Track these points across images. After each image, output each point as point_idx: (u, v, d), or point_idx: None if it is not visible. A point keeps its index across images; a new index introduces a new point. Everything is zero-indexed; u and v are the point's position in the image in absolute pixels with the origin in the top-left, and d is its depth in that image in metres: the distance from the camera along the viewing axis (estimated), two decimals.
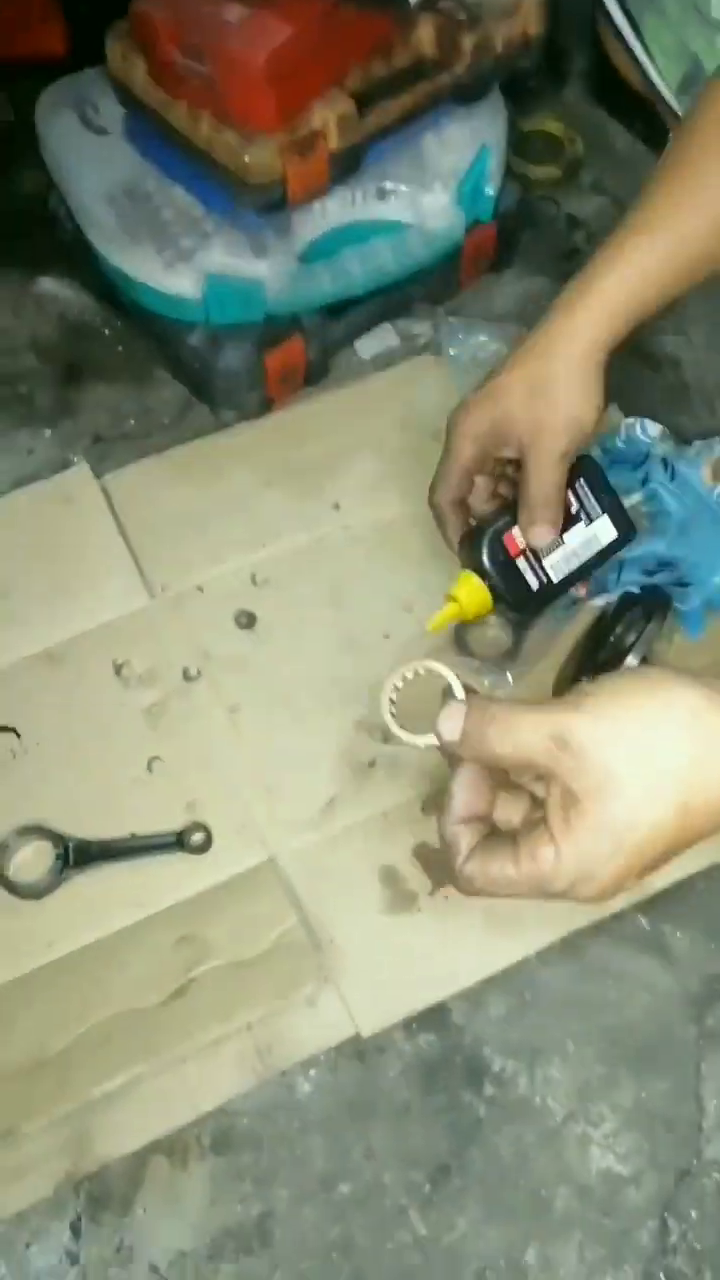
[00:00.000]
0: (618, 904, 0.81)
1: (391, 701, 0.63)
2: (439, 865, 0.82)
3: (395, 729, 0.62)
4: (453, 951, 0.80)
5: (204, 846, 0.82)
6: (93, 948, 0.79)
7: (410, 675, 0.63)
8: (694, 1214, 0.73)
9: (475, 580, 0.80)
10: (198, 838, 0.82)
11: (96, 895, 0.81)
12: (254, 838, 0.83)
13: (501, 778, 0.59)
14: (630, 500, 0.90)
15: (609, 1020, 0.78)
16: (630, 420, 0.96)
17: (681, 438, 0.96)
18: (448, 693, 0.59)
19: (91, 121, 1.00)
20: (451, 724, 0.56)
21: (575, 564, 0.82)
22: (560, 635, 0.89)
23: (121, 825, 0.83)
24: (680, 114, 1.04)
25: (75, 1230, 0.74)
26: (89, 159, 0.98)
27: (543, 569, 0.81)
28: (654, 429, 0.94)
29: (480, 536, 0.80)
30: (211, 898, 0.80)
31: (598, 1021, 0.78)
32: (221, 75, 0.82)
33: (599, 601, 0.89)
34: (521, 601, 0.81)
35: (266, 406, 1.02)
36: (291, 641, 0.91)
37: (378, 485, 0.98)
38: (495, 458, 0.81)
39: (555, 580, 0.81)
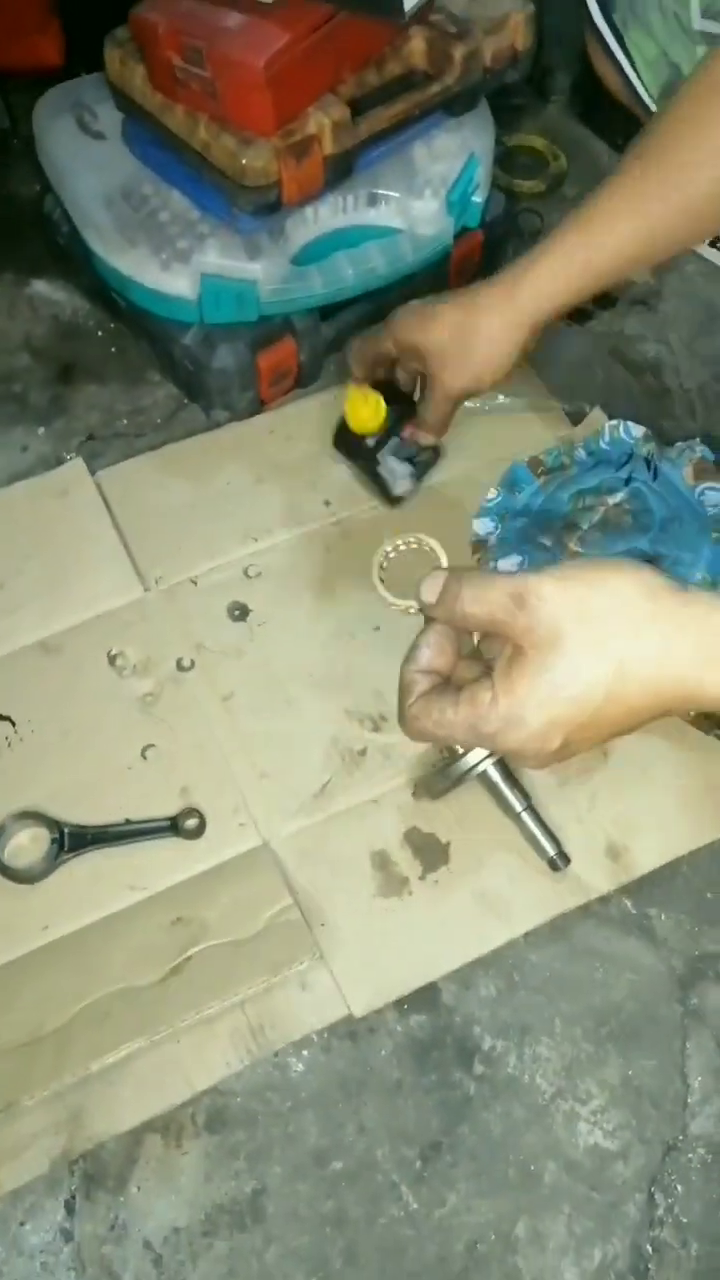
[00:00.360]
0: (604, 887, 0.83)
1: (382, 568, 0.68)
2: (430, 850, 0.84)
3: (383, 592, 0.66)
4: (443, 934, 0.81)
5: (198, 831, 0.83)
6: (89, 930, 0.80)
7: (402, 545, 0.69)
8: (680, 1188, 0.75)
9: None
10: (192, 823, 0.83)
11: (92, 879, 0.82)
12: (248, 823, 0.84)
13: (469, 646, 0.63)
14: (614, 499, 0.92)
15: (596, 1000, 0.80)
16: (614, 422, 0.98)
17: (664, 440, 0.98)
18: (434, 565, 0.65)
19: (89, 126, 1.02)
20: (431, 585, 0.59)
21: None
22: None
23: (116, 811, 0.84)
24: None
25: (70, 1208, 0.74)
26: (86, 163, 1.00)
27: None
28: (637, 431, 0.97)
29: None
30: (206, 881, 0.82)
31: (585, 1001, 0.80)
32: (220, 79, 0.85)
33: None
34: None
35: (258, 407, 1.04)
36: (283, 632, 0.92)
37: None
38: (405, 365, 0.92)
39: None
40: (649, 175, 0.81)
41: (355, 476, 0.99)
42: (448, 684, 0.62)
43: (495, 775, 0.79)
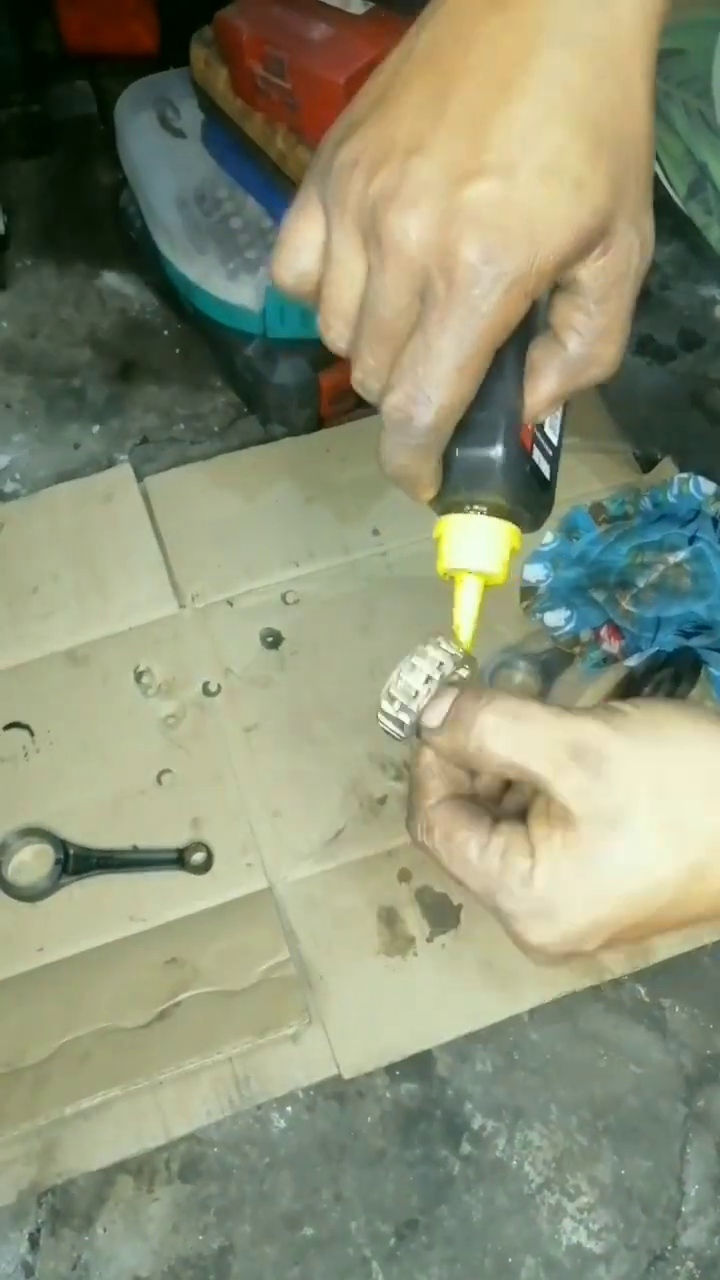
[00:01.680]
0: (617, 970, 0.79)
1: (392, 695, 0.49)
2: (440, 911, 0.81)
3: (386, 722, 0.50)
4: (444, 1001, 0.78)
5: (204, 867, 0.81)
6: (82, 957, 0.78)
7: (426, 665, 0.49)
8: None
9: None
10: (198, 857, 0.81)
11: (92, 904, 0.80)
12: (255, 863, 0.82)
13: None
14: (675, 558, 0.88)
15: (596, 1090, 0.76)
16: (684, 475, 0.94)
17: None
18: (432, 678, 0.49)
19: (170, 123, 0.99)
20: (438, 708, 0.46)
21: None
22: (588, 690, 0.87)
23: (125, 835, 0.82)
24: (691, 218, 1.01)
25: (34, 1242, 0.73)
26: (164, 160, 0.98)
27: (547, 441, 0.51)
28: (708, 487, 0.92)
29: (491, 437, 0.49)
30: (206, 921, 0.79)
31: (584, 1090, 0.76)
32: (300, 92, 0.81)
33: (632, 662, 0.87)
34: (545, 500, 0.52)
35: (317, 425, 1.01)
36: (316, 666, 0.90)
37: (419, 513, 0.95)
38: None
39: (557, 444, 0.53)
40: None
41: None
42: (476, 799, 0.48)
43: None
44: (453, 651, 0.49)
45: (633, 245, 0.43)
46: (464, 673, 0.49)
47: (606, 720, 0.43)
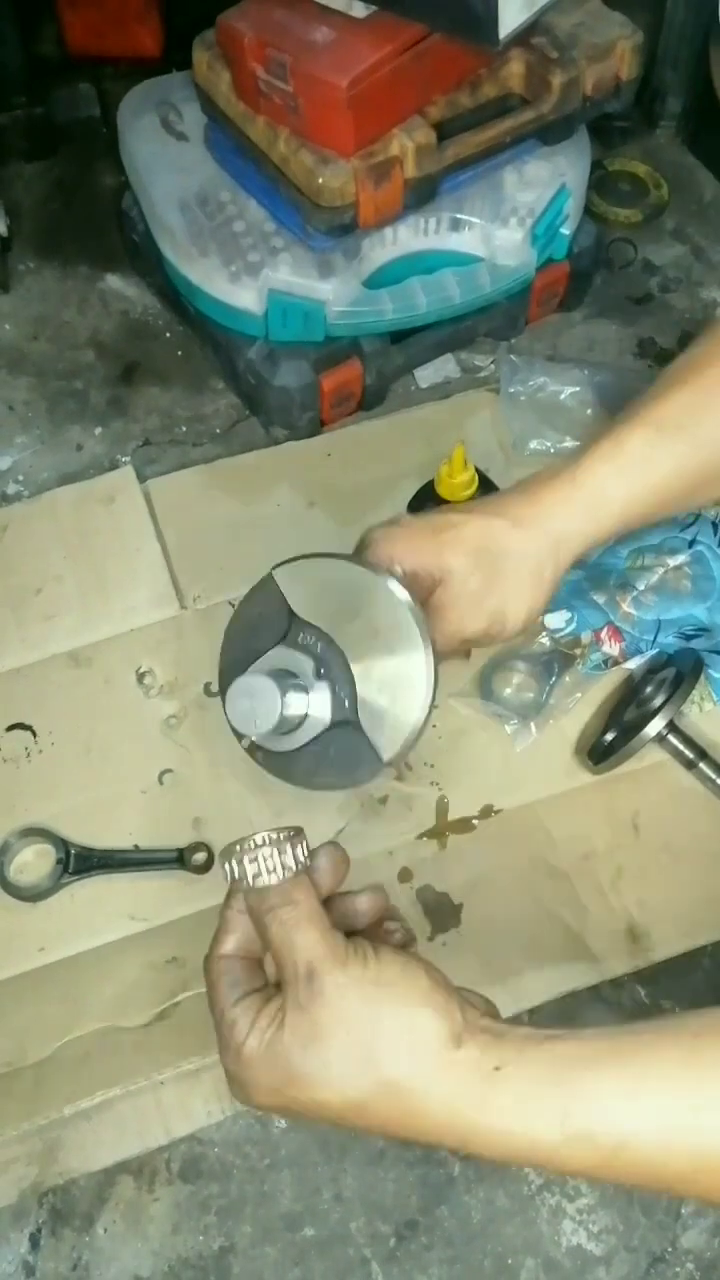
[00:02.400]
0: (619, 969, 0.79)
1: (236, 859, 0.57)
2: (442, 910, 0.81)
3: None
4: None
5: (205, 867, 0.81)
6: (83, 957, 0.78)
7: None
8: None
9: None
10: (199, 857, 0.81)
11: (93, 904, 0.80)
12: None
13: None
14: (675, 560, 0.88)
15: None
16: None
17: None
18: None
19: (173, 126, 1.00)
20: (245, 865, 0.57)
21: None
22: (588, 691, 0.87)
23: (126, 835, 0.83)
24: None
25: (34, 1242, 0.73)
26: (166, 163, 0.98)
27: None
28: None
29: None
30: (207, 920, 0.78)
31: None
32: (303, 95, 0.82)
33: (632, 665, 0.87)
34: None
35: (319, 427, 1.01)
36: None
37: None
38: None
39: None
40: (692, 406, 0.70)
41: None
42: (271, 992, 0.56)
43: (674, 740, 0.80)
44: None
45: None
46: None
47: (342, 962, 0.53)
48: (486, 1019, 0.54)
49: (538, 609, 0.71)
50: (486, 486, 0.87)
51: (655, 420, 0.70)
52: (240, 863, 0.56)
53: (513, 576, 0.69)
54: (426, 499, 0.87)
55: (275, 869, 0.56)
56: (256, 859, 0.56)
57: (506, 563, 0.68)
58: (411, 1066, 0.51)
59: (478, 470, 0.86)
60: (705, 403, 0.70)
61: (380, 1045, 0.51)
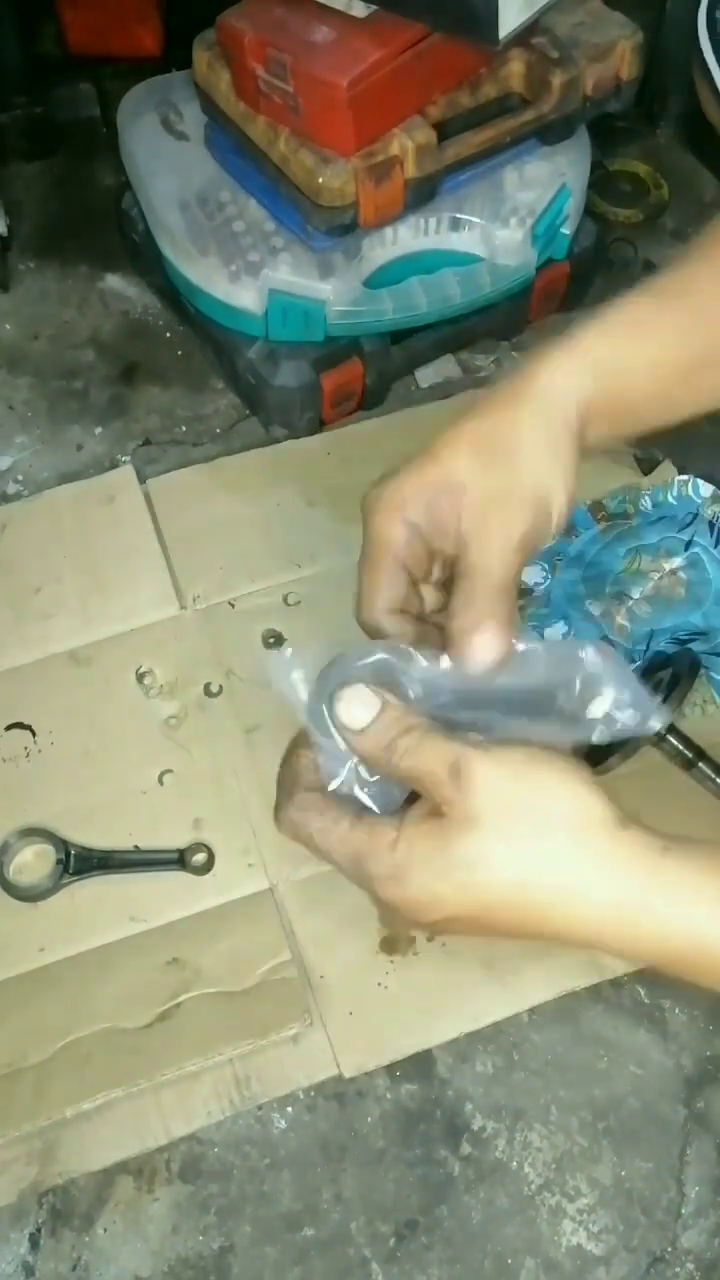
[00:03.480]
0: (619, 969, 0.79)
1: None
2: None
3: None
4: (445, 1000, 0.78)
5: (205, 868, 0.81)
6: (83, 957, 0.78)
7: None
8: None
9: None
10: (200, 858, 0.81)
11: (93, 904, 0.80)
12: (257, 864, 0.82)
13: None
14: (671, 564, 0.88)
15: (596, 1092, 0.76)
16: (684, 477, 0.94)
17: None
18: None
19: (173, 126, 1.00)
20: (359, 707, 0.53)
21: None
22: None
23: (126, 836, 0.82)
24: None
25: (34, 1242, 0.73)
26: (166, 163, 0.98)
27: None
28: (706, 490, 0.92)
29: None
30: (207, 921, 0.79)
31: (585, 1091, 0.76)
32: (303, 95, 0.82)
33: None
34: None
35: (319, 427, 1.01)
36: (318, 667, 0.89)
37: None
38: (434, 552, 0.59)
39: None
40: (696, 278, 0.64)
41: None
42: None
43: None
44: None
45: None
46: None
47: (490, 751, 0.51)
48: None
49: (572, 482, 0.58)
50: None
51: (656, 288, 0.64)
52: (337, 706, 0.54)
53: (532, 453, 0.57)
54: None
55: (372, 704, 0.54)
56: (350, 701, 0.54)
57: (519, 443, 0.57)
58: (586, 835, 0.50)
59: None
60: (710, 273, 0.63)
61: (552, 816, 0.50)
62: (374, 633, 0.60)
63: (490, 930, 0.52)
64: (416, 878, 0.51)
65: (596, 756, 0.82)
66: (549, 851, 0.50)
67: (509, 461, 0.56)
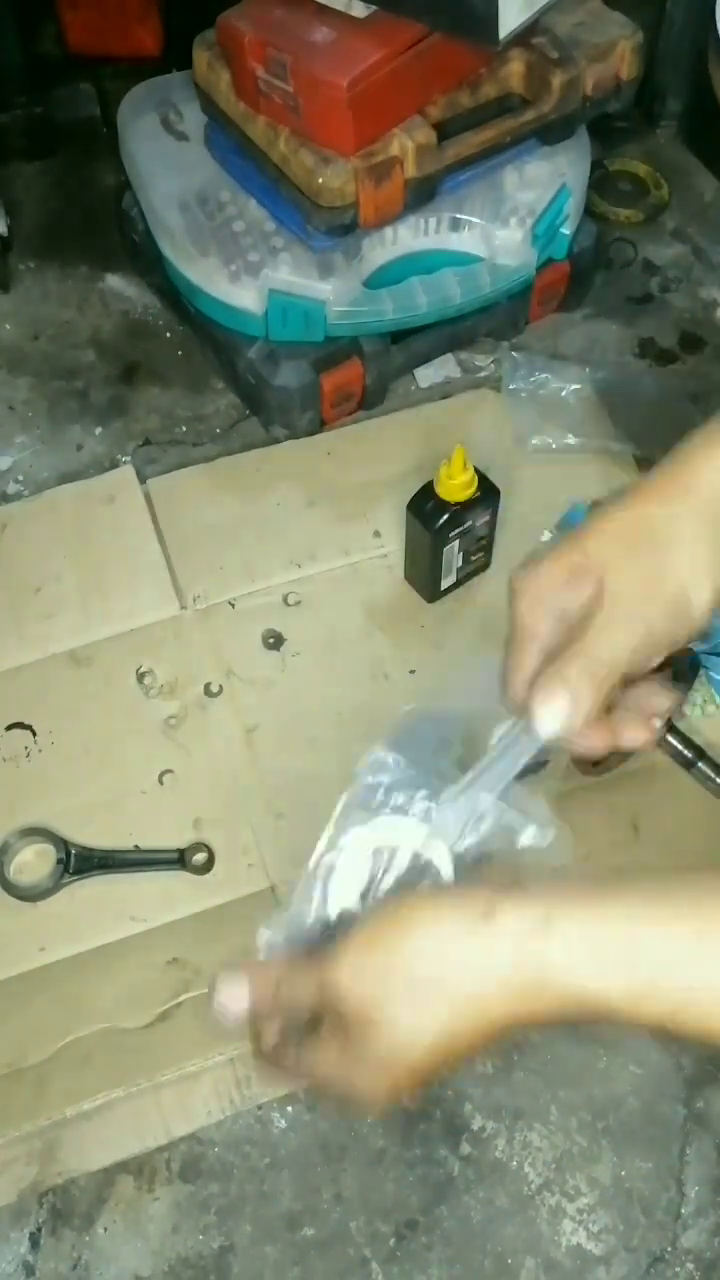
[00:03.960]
0: None
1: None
2: None
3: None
4: None
5: (206, 867, 0.81)
6: (83, 957, 0.78)
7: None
8: None
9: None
10: (200, 858, 0.81)
11: (93, 904, 0.80)
12: (256, 864, 0.82)
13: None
14: None
15: (596, 1092, 0.76)
16: None
17: None
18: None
19: (173, 126, 1.00)
20: (232, 989, 0.52)
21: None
22: None
23: (126, 835, 0.83)
24: None
25: (34, 1241, 0.73)
26: (166, 163, 0.98)
27: None
28: None
29: None
30: (207, 921, 0.79)
31: (585, 1091, 0.76)
32: (303, 95, 0.82)
33: None
34: None
35: (319, 426, 1.01)
36: (316, 667, 0.90)
37: None
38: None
39: None
40: None
41: (408, 551, 0.92)
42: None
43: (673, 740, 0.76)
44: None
45: None
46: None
47: (346, 946, 0.49)
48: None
49: (717, 586, 0.55)
50: (486, 487, 0.86)
51: None
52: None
53: (679, 548, 0.54)
54: (426, 499, 0.87)
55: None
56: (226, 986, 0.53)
57: (667, 537, 0.55)
58: (453, 963, 0.48)
59: (477, 471, 0.86)
60: None
61: (419, 973, 0.49)
62: (519, 710, 0.57)
63: (469, 1052, 0.51)
64: (368, 1082, 0.50)
65: (595, 758, 0.82)
66: (444, 980, 0.49)
67: (654, 554, 0.54)
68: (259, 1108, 0.76)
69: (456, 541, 0.87)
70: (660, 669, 0.79)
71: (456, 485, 0.85)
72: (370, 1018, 0.49)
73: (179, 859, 0.81)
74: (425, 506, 0.86)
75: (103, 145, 1.19)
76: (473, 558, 0.90)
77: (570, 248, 1.01)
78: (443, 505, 0.85)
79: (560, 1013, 0.48)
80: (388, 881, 0.54)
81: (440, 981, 0.49)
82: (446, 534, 0.86)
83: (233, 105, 0.89)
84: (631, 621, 0.53)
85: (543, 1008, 0.47)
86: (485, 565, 0.92)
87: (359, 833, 0.55)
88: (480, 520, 0.87)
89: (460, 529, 0.86)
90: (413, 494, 0.89)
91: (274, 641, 0.91)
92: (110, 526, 0.96)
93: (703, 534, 0.54)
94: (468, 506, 0.85)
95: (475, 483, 0.85)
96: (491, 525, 0.89)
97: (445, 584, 0.91)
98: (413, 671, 0.89)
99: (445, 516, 0.85)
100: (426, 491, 0.87)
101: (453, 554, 0.88)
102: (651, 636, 0.53)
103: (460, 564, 0.90)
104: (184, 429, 1.05)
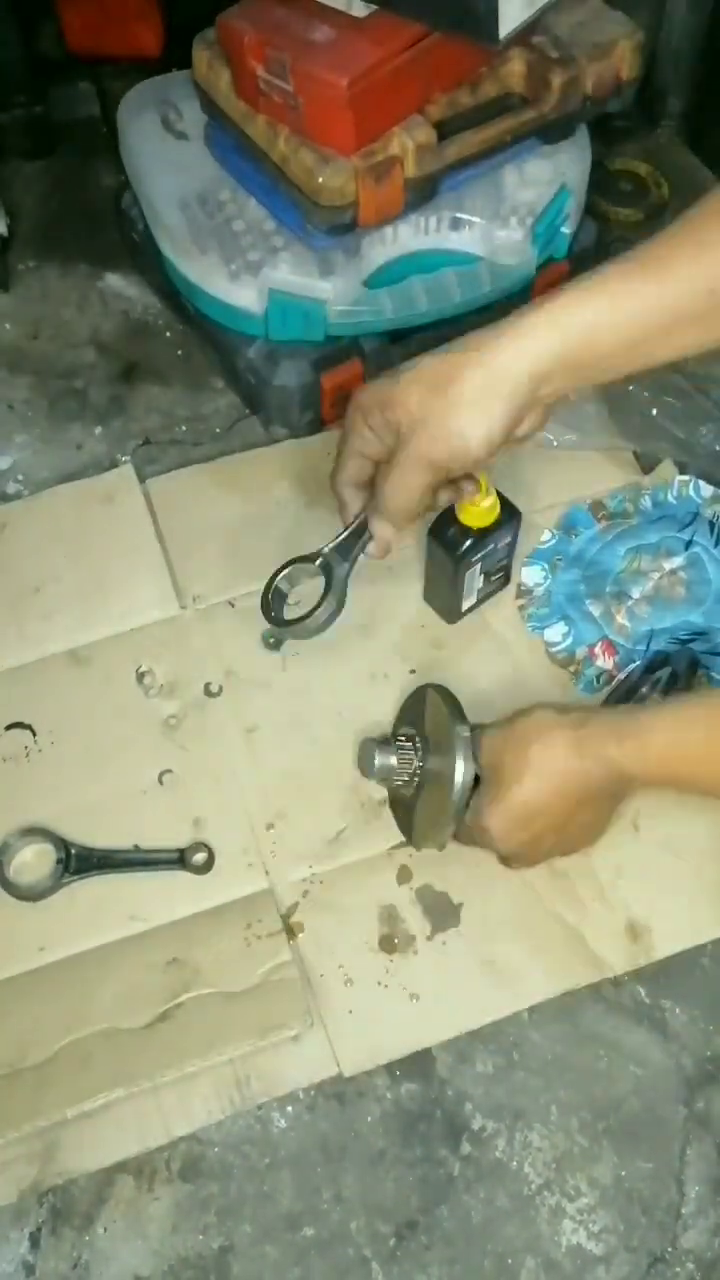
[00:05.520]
0: (619, 967, 0.79)
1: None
2: (441, 910, 0.81)
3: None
4: (445, 999, 0.78)
5: (206, 867, 0.81)
6: (83, 957, 0.78)
7: None
8: None
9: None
10: (200, 858, 0.81)
11: (93, 904, 0.80)
12: (256, 863, 0.82)
13: None
14: (671, 563, 0.88)
15: (596, 1091, 0.76)
16: (684, 477, 0.94)
17: None
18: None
19: (173, 125, 0.99)
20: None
21: None
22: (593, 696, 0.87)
23: (126, 835, 0.83)
24: None
25: (34, 1241, 0.73)
26: (166, 162, 0.98)
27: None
28: (706, 490, 0.92)
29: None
30: (207, 921, 0.79)
31: (585, 1091, 0.76)
32: (303, 94, 0.82)
33: (622, 675, 0.86)
34: None
35: (319, 426, 1.01)
36: (316, 667, 0.90)
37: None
38: (387, 445, 0.77)
39: None
40: (676, 247, 0.69)
41: (428, 575, 0.91)
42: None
43: None
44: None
45: None
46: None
47: (485, 733, 0.76)
48: None
49: (497, 429, 0.72)
50: (507, 509, 0.85)
51: (634, 255, 0.70)
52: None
53: (467, 398, 0.71)
54: (448, 525, 0.85)
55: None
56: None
57: (461, 386, 0.71)
58: (560, 722, 0.72)
59: (499, 493, 0.84)
60: (693, 245, 0.69)
61: (528, 740, 0.72)
62: (339, 498, 0.84)
63: (565, 819, 0.74)
64: (492, 827, 0.74)
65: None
66: (543, 745, 0.72)
67: (443, 401, 0.72)
68: (259, 1108, 0.76)
69: (478, 565, 0.86)
70: (657, 670, 0.84)
71: (479, 511, 0.83)
72: (495, 773, 0.74)
73: (179, 859, 0.81)
74: (447, 533, 0.85)
75: (102, 145, 1.19)
76: (493, 578, 0.89)
77: (571, 247, 1.01)
78: (465, 531, 0.84)
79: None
80: None
81: (543, 746, 0.72)
82: (469, 559, 0.85)
83: (233, 104, 0.89)
84: (425, 442, 0.73)
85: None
86: (505, 583, 0.92)
87: None
88: (502, 542, 0.86)
89: (483, 553, 0.85)
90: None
91: (274, 641, 0.91)
92: (110, 526, 0.96)
93: (484, 386, 0.71)
94: (490, 530, 0.84)
95: (498, 507, 0.83)
96: (512, 546, 0.88)
97: (466, 605, 0.90)
98: (413, 671, 0.89)
99: (468, 542, 0.84)
100: (448, 517, 0.85)
101: (474, 577, 0.87)
102: (437, 471, 0.75)
103: (481, 585, 0.89)
104: (184, 428, 1.05)
